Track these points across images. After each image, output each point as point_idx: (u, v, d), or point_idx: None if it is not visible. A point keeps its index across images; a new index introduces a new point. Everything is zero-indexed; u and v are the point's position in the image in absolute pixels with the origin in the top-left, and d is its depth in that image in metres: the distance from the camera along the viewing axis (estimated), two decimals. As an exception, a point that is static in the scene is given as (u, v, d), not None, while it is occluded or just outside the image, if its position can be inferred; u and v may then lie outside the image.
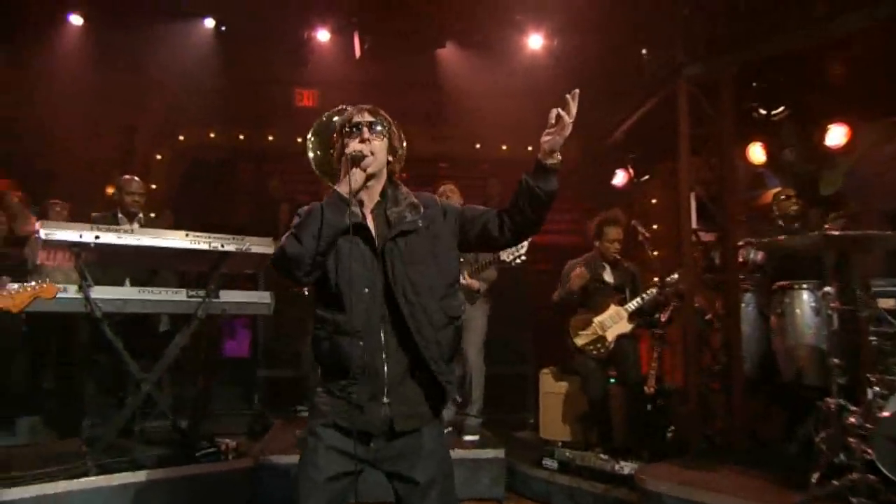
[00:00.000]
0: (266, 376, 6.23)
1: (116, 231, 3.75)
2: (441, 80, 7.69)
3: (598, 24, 6.09)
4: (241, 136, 8.73)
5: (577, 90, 1.95)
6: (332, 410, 2.00)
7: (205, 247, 3.93)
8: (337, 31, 7.19)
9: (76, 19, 6.81)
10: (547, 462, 4.10)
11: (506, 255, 4.28)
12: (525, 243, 4.19)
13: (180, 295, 4.02)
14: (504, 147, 9.29)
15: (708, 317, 4.38)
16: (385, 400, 1.98)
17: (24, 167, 7.66)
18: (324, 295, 2.05)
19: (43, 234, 3.50)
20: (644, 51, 4.90)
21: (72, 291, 3.65)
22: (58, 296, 3.61)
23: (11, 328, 5.14)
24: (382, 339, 1.99)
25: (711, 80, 4.02)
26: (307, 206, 2.05)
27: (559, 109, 1.93)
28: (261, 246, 4.12)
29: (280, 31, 7.26)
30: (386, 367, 1.98)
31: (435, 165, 9.06)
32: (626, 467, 3.80)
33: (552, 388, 5.03)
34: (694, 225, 4.17)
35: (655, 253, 4.53)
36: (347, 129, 2.07)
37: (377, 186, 2.12)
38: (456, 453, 4.14)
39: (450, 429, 4.65)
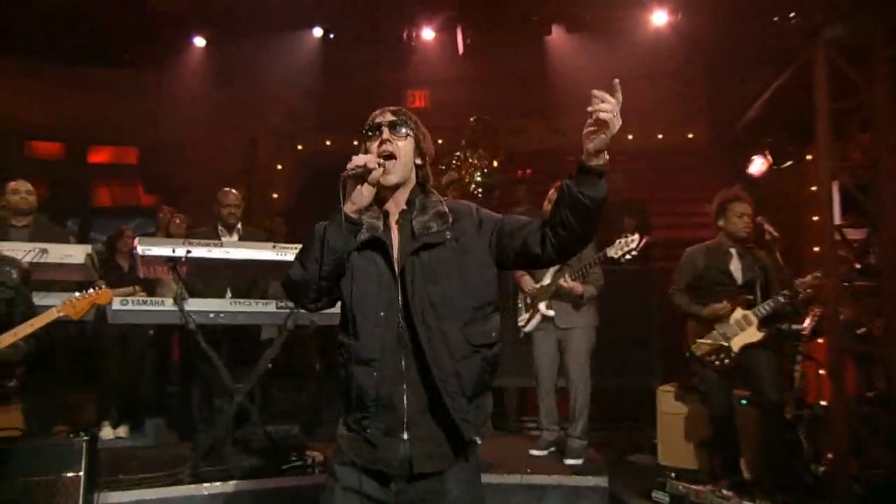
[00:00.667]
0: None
1: (207, 245, 3.91)
2: (552, 69, 7.35)
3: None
4: (356, 142, 8.95)
5: (617, 80, 1.63)
6: (349, 447, 1.82)
7: (290, 258, 3.99)
8: (441, 28, 7.13)
9: (199, 41, 7.35)
10: (657, 495, 3.67)
11: (613, 252, 3.87)
12: (635, 237, 3.79)
13: (270, 306, 4.12)
14: (630, 136, 8.72)
15: (861, 330, 3.68)
16: (404, 436, 1.76)
17: (163, 182, 8.49)
18: (342, 318, 1.89)
19: (140, 249, 3.73)
20: (776, 18, 4.24)
21: (168, 304, 3.87)
22: (156, 308, 3.93)
23: (141, 335, 5.65)
24: (403, 367, 1.78)
25: (858, 43, 3.35)
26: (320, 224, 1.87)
27: (594, 105, 1.61)
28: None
29: (386, 34, 7.36)
30: (405, 400, 1.77)
31: (560, 159, 8.70)
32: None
33: (672, 407, 4.55)
34: (837, 220, 3.50)
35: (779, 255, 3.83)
36: (367, 132, 1.91)
37: (403, 194, 1.91)
38: (553, 478, 3.88)
39: (552, 449, 4.37)
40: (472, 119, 4.72)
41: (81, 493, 3.14)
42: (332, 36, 7.44)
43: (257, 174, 8.79)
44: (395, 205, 1.91)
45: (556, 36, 6.83)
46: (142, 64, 7.65)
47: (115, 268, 5.44)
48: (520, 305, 4.48)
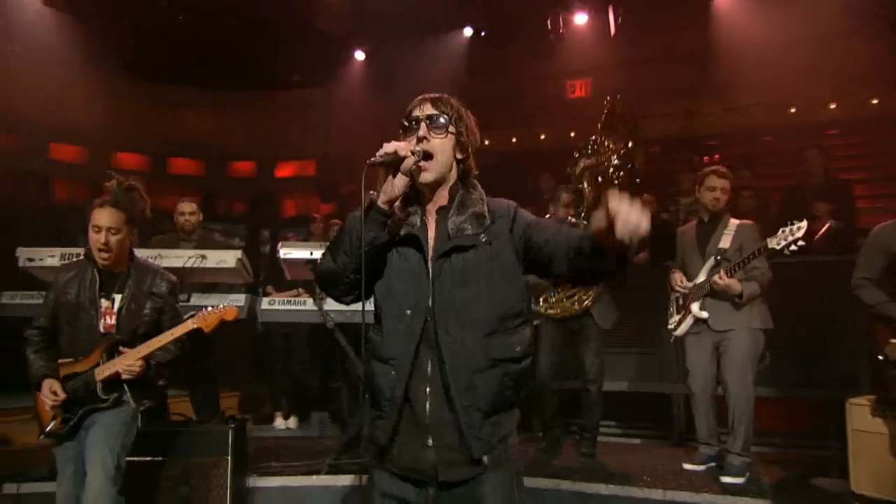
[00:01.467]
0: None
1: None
2: (722, 40, 6.69)
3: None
4: (514, 139, 8.99)
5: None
6: (380, 453, 1.81)
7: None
8: (593, 10, 6.88)
9: (360, 55, 7.90)
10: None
11: (775, 242, 3.44)
12: (802, 224, 3.34)
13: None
14: (832, 105, 7.63)
15: None
16: (429, 442, 1.70)
17: (335, 191, 9.25)
18: (374, 312, 1.88)
19: (282, 253, 4.11)
20: None
21: (310, 304, 4.22)
22: (299, 307, 4.30)
23: (302, 333, 6.20)
24: (427, 370, 1.72)
25: None
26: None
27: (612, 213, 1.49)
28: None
29: (538, 25, 7.27)
30: (428, 404, 1.71)
31: (742, 141, 7.92)
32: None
33: (867, 424, 3.86)
34: None
35: None
36: (405, 125, 1.85)
37: (443, 190, 1.84)
38: (702, 497, 3.52)
39: (711, 465, 3.98)
40: (606, 100, 4.47)
41: (229, 475, 3.54)
42: (483, 34, 7.54)
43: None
44: (434, 201, 1.85)
45: (723, 2, 6.20)
46: (311, 83, 8.43)
47: (280, 271, 6.03)
48: (671, 308, 4.14)
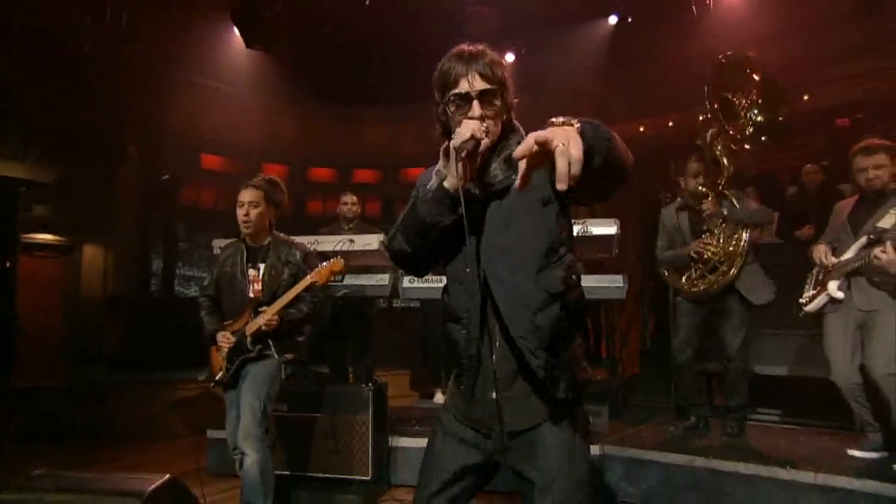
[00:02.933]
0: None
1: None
2: None
3: None
4: (641, 128, 8.40)
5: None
6: (450, 401, 1.80)
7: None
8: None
9: (510, 56, 7.93)
10: None
11: None
12: None
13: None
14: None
15: None
16: (493, 395, 1.64)
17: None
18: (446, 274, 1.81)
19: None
20: None
21: (385, 279, 4.35)
22: (435, 285, 4.42)
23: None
24: (489, 325, 1.66)
25: None
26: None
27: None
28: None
29: (682, 4, 6.75)
30: (494, 358, 1.65)
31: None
32: None
33: None
34: None
35: None
36: (452, 100, 1.66)
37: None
38: (864, 483, 2.98)
39: (885, 453, 3.36)
40: (719, 57, 3.97)
41: (370, 433, 3.75)
42: (629, 20, 7.17)
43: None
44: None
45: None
46: (392, 97, 8.75)
47: None
48: (808, 282, 3.59)
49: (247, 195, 3.27)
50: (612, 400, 5.13)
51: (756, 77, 3.86)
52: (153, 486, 2.24)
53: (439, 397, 6.04)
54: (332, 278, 3.25)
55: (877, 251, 3.14)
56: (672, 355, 4.10)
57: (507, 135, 1.71)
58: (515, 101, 1.73)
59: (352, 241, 4.37)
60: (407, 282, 4.45)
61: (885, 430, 3.37)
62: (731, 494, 3.26)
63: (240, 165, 10.08)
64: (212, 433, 4.36)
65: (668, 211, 4.20)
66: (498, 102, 1.64)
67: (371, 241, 4.36)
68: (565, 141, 1.25)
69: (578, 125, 1.36)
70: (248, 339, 3.17)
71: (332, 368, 5.21)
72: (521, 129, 1.75)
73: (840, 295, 3.32)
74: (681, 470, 3.48)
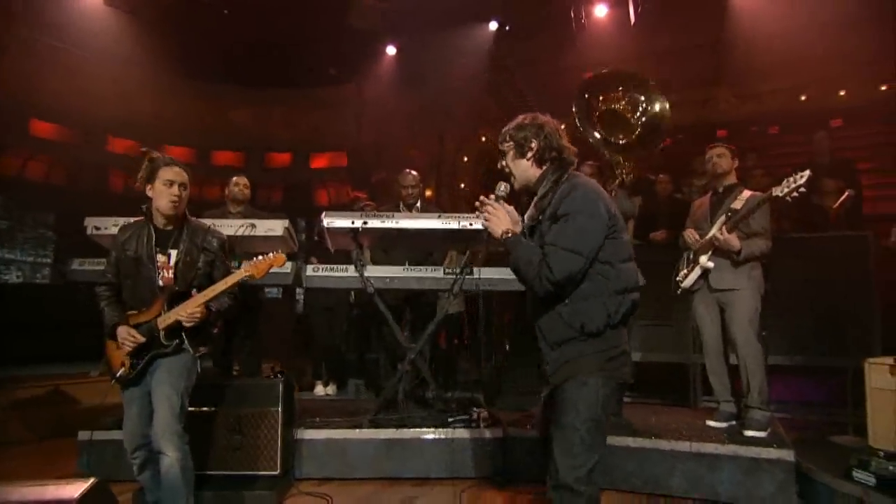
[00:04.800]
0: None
1: (380, 217, 4.19)
2: (736, 32, 6.56)
3: None
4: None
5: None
6: None
7: (455, 225, 4.11)
8: (613, 3, 6.79)
9: (391, 49, 7.89)
10: (859, 475, 3.07)
11: (778, 191, 3.46)
12: (805, 172, 3.35)
13: (437, 272, 4.29)
14: (841, 93, 7.47)
15: None
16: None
17: (366, 180, 9.28)
18: None
19: (326, 222, 4.12)
20: None
21: (351, 270, 4.22)
22: (342, 274, 4.29)
23: (343, 307, 6.25)
24: None
25: None
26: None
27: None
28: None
29: (558, 19, 7.20)
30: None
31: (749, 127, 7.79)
32: None
33: (886, 383, 3.77)
34: None
35: None
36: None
37: (535, 187, 2.33)
38: (727, 448, 3.46)
39: (733, 422, 3.91)
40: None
41: (280, 425, 3.56)
42: (507, 28, 7.47)
43: (445, 167, 9.20)
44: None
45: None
46: (344, 78, 8.46)
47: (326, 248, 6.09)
48: (681, 263, 4.09)
49: (180, 174, 2.91)
50: (488, 385, 5.43)
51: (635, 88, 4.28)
52: (81, 492, 1.95)
53: (319, 389, 5.90)
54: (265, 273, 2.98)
55: (715, 231, 3.69)
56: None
57: (558, 180, 2.27)
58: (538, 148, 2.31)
59: (253, 225, 4.09)
60: (310, 270, 4.29)
61: (735, 403, 3.95)
62: (623, 466, 3.60)
63: (80, 136, 8.92)
64: (84, 435, 3.84)
65: None
66: (506, 155, 2.38)
67: (275, 227, 4.13)
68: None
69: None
70: (162, 332, 2.84)
71: (217, 361, 4.84)
72: (565, 175, 2.28)
73: (711, 265, 3.80)
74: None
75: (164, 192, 2.87)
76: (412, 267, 4.34)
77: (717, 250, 3.79)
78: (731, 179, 3.94)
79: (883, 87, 7.09)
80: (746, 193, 3.83)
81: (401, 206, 5.12)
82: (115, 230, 3.97)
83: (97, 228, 4.03)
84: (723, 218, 3.80)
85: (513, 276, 4.10)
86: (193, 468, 2.82)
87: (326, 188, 10.32)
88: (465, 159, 9.30)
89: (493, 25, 7.34)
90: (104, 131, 9.03)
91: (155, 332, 2.83)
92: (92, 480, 2.07)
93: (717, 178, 3.97)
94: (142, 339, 2.81)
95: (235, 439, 3.50)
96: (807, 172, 3.29)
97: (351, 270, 4.23)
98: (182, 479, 2.70)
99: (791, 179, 3.35)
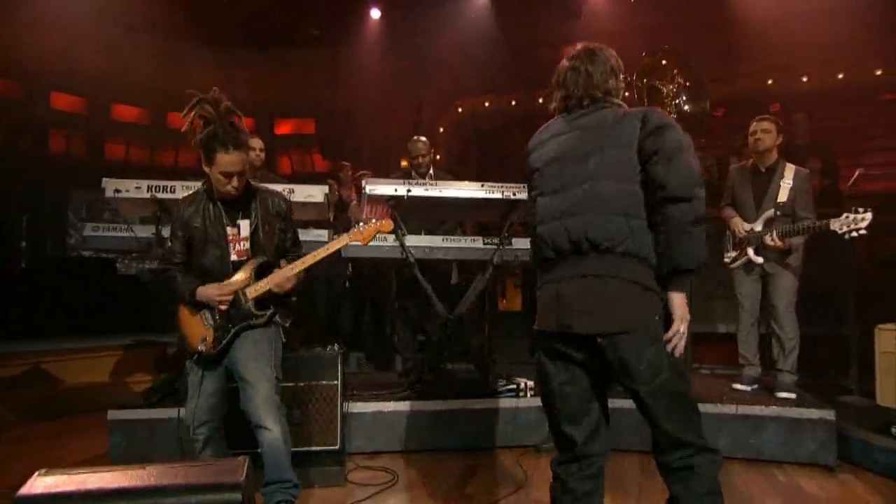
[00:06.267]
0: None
1: (423, 185, 4.05)
2: (731, 14, 6.76)
3: None
4: (513, 102, 8.89)
5: None
6: None
7: (499, 196, 4.03)
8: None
9: (375, 13, 7.56)
10: (896, 431, 3.35)
11: (837, 226, 3.46)
12: (867, 215, 3.35)
13: (477, 243, 4.21)
14: (804, 78, 7.88)
15: None
16: None
17: (337, 145, 8.94)
18: None
19: (368, 189, 3.94)
20: None
21: (391, 240, 4.06)
22: (381, 243, 4.13)
23: (339, 282, 6.05)
24: None
25: None
26: None
27: None
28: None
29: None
30: None
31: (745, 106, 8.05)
32: None
33: (893, 346, 4.13)
34: None
35: None
36: None
37: None
38: (771, 409, 3.65)
39: (755, 387, 4.13)
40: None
41: (339, 398, 3.41)
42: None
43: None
44: None
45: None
46: (325, 40, 8.03)
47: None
48: (727, 243, 4.20)
49: (238, 162, 2.52)
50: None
51: (679, 70, 4.33)
52: (244, 474, 1.78)
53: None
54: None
55: (767, 239, 3.85)
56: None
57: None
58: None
59: (292, 191, 3.83)
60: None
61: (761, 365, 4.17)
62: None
63: (18, 89, 8.01)
64: (114, 414, 3.51)
65: None
66: None
67: (315, 194, 3.89)
68: None
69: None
70: (251, 303, 2.62)
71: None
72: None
73: (760, 260, 3.95)
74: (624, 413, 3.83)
75: (221, 182, 2.55)
76: (451, 237, 4.24)
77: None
78: (773, 157, 4.02)
79: (840, 76, 7.53)
80: (790, 171, 3.96)
81: (412, 174, 4.96)
82: (138, 193, 3.67)
83: (118, 192, 3.64)
84: (771, 213, 3.89)
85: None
86: (251, 447, 2.61)
87: (290, 155, 9.85)
88: (441, 130, 9.14)
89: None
90: (47, 87, 8.12)
91: (243, 304, 2.61)
92: (243, 458, 1.88)
93: (760, 156, 4.02)
94: (233, 290, 2.58)
95: (295, 414, 3.31)
96: (869, 215, 3.30)
97: (391, 240, 4.07)
98: (286, 452, 2.52)
99: (851, 218, 3.36)
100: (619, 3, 6.57)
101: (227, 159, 2.50)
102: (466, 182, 4.16)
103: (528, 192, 2.14)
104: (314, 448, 3.33)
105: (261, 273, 2.65)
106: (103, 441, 3.58)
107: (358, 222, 2.87)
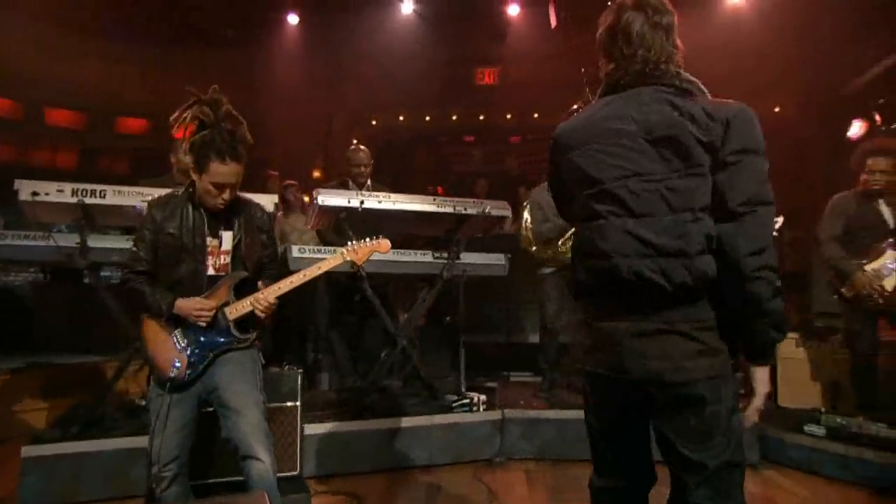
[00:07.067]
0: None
1: (376, 197, 3.92)
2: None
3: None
4: (427, 118, 8.94)
5: None
6: None
7: (450, 210, 4.01)
8: (527, 4, 7.06)
9: (293, 18, 7.26)
10: (811, 428, 3.71)
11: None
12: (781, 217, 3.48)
13: (427, 257, 4.15)
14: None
15: None
16: None
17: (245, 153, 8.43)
18: None
19: (320, 199, 3.75)
20: None
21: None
22: (325, 255, 3.92)
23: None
24: None
25: None
26: None
27: None
28: (498, 210, 4.15)
29: (474, 10, 7.25)
30: None
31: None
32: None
33: (793, 353, 4.62)
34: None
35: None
36: None
37: None
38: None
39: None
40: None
41: (299, 421, 3.18)
42: (419, 13, 7.27)
43: (333, 147, 8.78)
44: None
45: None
46: (241, 42, 7.57)
47: None
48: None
49: (233, 174, 2.26)
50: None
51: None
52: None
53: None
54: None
55: None
56: (545, 325, 4.52)
57: None
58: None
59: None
60: (296, 251, 3.85)
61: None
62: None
63: None
64: (30, 450, 3.01)
65: None
66: None
67: (266, 203, 3.60)
68: None
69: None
70: (232, 324, 2.37)
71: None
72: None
73: None
74: (570, 424, 3.94)
75: (211, 193, 2.29)
76: (401, 251, 4.14)
77: None
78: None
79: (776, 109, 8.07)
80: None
81: (350, 183, 4.80)
82: (60, 197, 3.21)
83: (35, 194, 3.15)
84: None
85: (490, 262, 4.25)
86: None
87: (186, 160, 9.14)
88: (355, 142, 8.93)
89: (408, 8, 7.11)
90: None
91: (223, 325, 2.35)
92: (261, 493, 1.69)
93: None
94: (215, 305, 2.31)
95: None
96: (780, 218, 3.35)
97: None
98: (275, 484, 2.29)
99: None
100: (544, 27, 6.80)
101: (222, 170, 2.24)
102: (419, 196, 4.11)
103: None
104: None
105: (240, 290, 2.41)
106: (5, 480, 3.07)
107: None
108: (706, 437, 1.51)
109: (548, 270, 4.43)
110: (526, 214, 4.56)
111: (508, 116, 8.78)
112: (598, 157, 1.62)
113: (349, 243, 2.62)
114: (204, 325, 2.31)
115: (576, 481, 3.46)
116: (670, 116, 1.55)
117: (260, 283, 2.45)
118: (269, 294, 2.38)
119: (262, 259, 2.51)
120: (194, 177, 2.32)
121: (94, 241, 3.35)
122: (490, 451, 3.91)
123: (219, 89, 2.34)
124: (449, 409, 3.93)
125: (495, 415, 3.97)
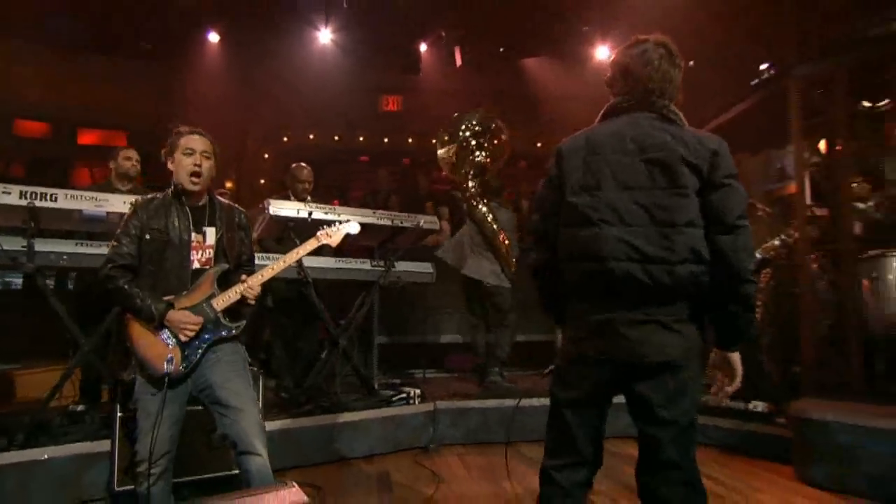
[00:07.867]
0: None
1: (322, 208, 4.01)
2: (525, 87, 7.89)
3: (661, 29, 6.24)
4: (336, 138, 9.00)
5: None
6: None
7: (388, 223, 4.21)
8: (432, 44, 7.43)
9: (214, 36, 7.04)
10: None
11: None
12: None
13: (366, 265, 4.30)
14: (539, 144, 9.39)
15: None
16: None
17: (159, 168, 7.97)
18: None
19: (272, 209, 3.78)
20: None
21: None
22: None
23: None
24: None
25: (821, 78, 4.20)
26: None
27: None
28: (429, 223, 4.41)
29: (384, 43, 7.48)
30: None
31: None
32: (759, 406, 4.01)
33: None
34: (808, 201, 4.32)
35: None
36: None
37: None
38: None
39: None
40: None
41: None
42: (334, 40, 7.34)
43: (246, 162, 8.55)
44: None
45: (531, 60, 7.43)
46: (159, 55, 7.17)
47: None
48: None
49: (198, 143, 2.42)
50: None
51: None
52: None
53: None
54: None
55: None
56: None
57: None
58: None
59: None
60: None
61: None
62: (522, 422, 4.11)
63: None
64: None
65: None
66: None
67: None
68: None
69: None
70: (221, 314, 2.39)
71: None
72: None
73: None
74: (492, 412, 4.23)
75: (183, 161, 2.40)
76: (342, 259, 4.24)
77: None
78: None
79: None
80: None
81: (290, 197, 4.84)
82: (6, 199, 3.00)
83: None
84: None
85: (420, 270, 4.50)
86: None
87: (90, 168, 8.42)
88: (266, 157, 8.78)
89: (325, 37, 7.16)
90: None
91: (212, 316, 2.37)
92: (289, 484, 1.78)
93: None
94: (201, 320, 2.33)
95: (215, 438, 2.99)
96: None
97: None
98: (272, 476, 2.33)
99: None
100: (453, 63, 7.18)
101: (190, 138, 2.42)
102: (361, 209, 4.27)
103: None
104: (234, 472, 3.04)
105: (223, 283, 2.45)
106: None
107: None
108: (680, 395, 1.71)
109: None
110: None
111: (410, 141, 9.13)
112: (598, 168, 1.80)
113: (321, 227, 2.74)
114: (185, 339, 2.32)
115: (502, 461, 3.73)
116: (663, 140, 1.75)
117: (243, 276, 2.50)
118: (254, 282, 2.45)
119: (241, 254, 2.57)
120: (170, 166, 2.43)
121: (41, 245, 3.14)
122: (425, 438, 4.10)
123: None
124: (388, 403, 4.08)
125: (428, 406, 4.18)
